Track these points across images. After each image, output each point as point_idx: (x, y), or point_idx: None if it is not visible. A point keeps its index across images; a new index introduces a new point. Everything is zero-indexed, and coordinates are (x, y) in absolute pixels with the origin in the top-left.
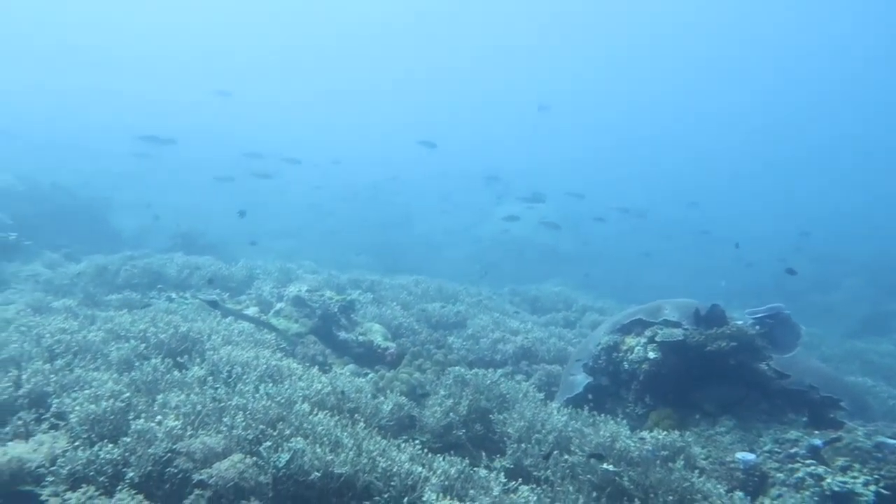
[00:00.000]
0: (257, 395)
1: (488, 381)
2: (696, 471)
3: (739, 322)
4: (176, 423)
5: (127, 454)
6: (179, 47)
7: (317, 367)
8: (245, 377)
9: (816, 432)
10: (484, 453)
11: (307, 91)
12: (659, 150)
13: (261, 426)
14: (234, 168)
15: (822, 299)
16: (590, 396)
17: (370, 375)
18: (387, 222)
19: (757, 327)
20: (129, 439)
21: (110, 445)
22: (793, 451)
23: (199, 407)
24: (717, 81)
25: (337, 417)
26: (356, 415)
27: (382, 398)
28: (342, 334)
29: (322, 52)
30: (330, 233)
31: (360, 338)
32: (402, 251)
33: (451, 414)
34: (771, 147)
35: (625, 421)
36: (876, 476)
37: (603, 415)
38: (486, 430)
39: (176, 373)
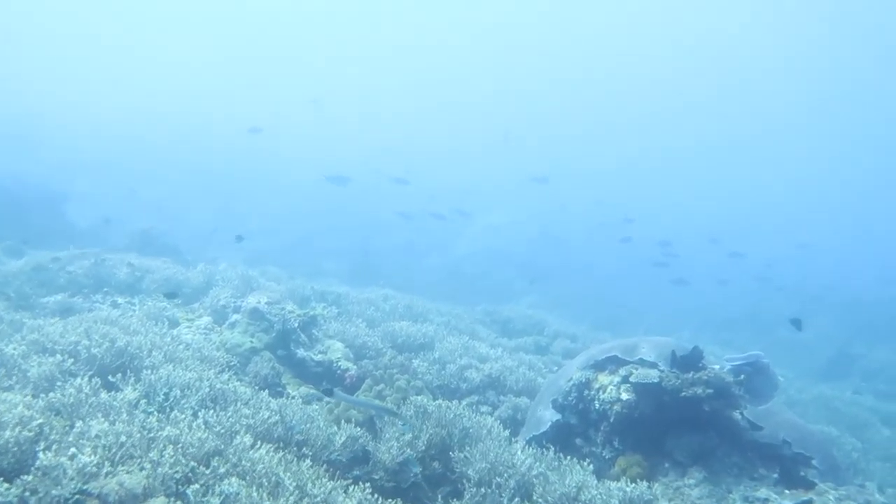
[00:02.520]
0: (194, 425)
1: (451, 415)
2: None
3: (717, 366)
4: (92, 457)
5: (26, 495)
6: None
7: (267, 390)
8: (184, 402)
9: (787, 492)
10: (440, 496)
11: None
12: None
13: (192, 463)
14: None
15: (791, 336)
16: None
17: (326, 399)
18: (366, 226)
19: (735, 374)
20: (30, 477)
21: (6, 485)
22: None
23: (123, 437)
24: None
25: (282, 453)
26: (305, 448)
27: (336, 429)
28: (300, 352)
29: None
30: (304, 236)
31: (320, 357)
32: (380, 258)
33: (407, 450)
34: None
35: (591, 466)
36: None
37: (569, 457)
38: (444, 468)
39: (104, 395)
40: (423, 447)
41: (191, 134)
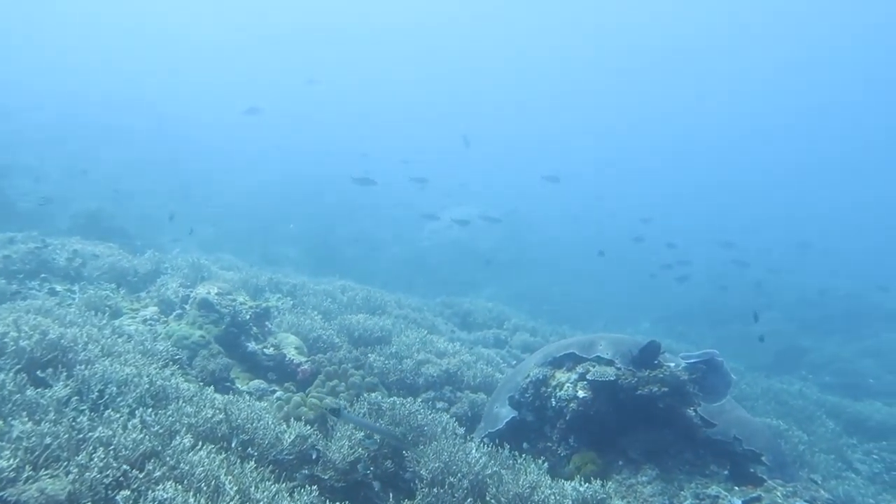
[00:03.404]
0: (130, 425)
1: (406, 412)
2: None
3: (672, 364)
4: (11, 461)
5: None
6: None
7: (214, 385)
8: (120, 400)
9: (736, 488)
10: (391, 495)
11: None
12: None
13: (125, 466)
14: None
15: (743, 329)
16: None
17: (278, 394)
18: (329, 213)
19: (690, 372)
20: None
21: None
22: None
23: (49, 439)
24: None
25: (225, 454)
26: (250, 447)
27: (285, 427)
28: (252, 345)
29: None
30: (265, 222)
31: (272, 350)
32: (342, 247)
33: (359, 449)
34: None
35: (546, 464)
36: None
37: (524, 455)
38: (397, 467)
39: (30, 392)
40: (377, 446)
41: (156, 115)
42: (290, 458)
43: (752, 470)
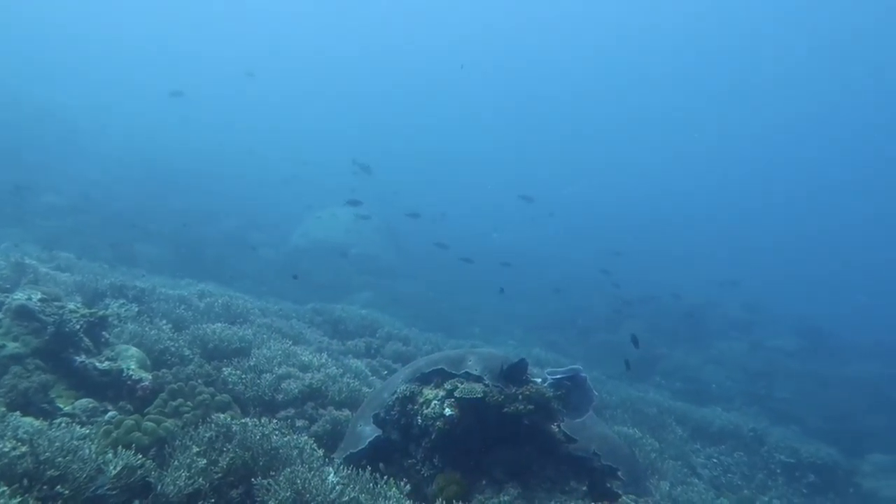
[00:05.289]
0: None
1: (258, 435)
2: None
3: (539, 380)
4: None
5: None
6: None
7: (25, 408)
8: None
9: None
10: None
11: None
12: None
13: None
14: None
15: (607, 338)
16: (381, 466)
17: (109, 415)
18: (191, 210)
19: (556, 389)
20: None
21: None
22: None
23: None
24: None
25: (21, 497)
26: (60, 485)
27: (111, 456)
28: (80, 358)
29: None
30: (116, 215)
31: (107, 364)
32: (207, 245)
33: (199, 479)
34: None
35: (408, 486)
36: None
37: (386, 478)
38: (245, 494)
39: None
40: (221, 474)
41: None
42: (114, 493)
43: (608, 485)
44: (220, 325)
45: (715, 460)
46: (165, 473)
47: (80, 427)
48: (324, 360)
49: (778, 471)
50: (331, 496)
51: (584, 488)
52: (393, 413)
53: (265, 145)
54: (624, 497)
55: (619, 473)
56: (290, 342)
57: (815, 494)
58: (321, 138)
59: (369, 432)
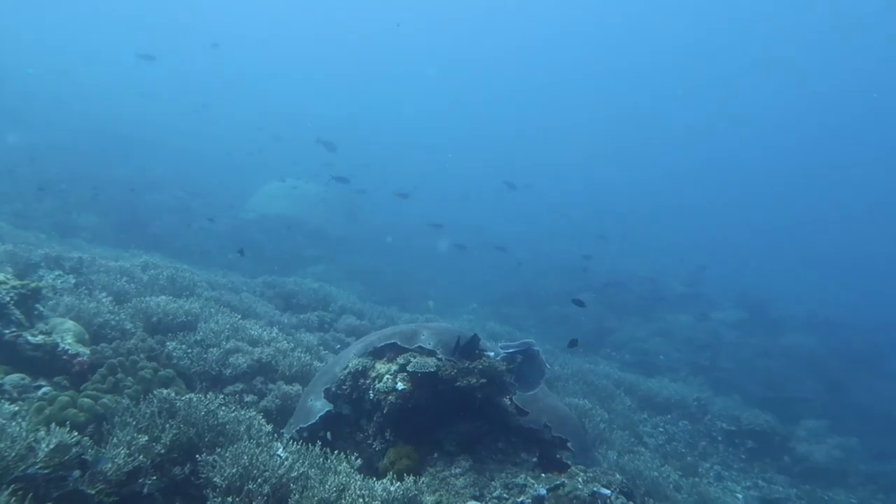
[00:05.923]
0: None
1: (203, 411)
2: None
3: (492, 354)
4: None
5: None
6: None
7: None
8: None
9: (543, 475)
10: None
11: None
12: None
13: None
14: None
15: (560, 311)
16: (328, 435)
17: (42, 391)
18: (138, 179)
19: (508, 362)
20: None
21: None
22: (519, 499)
23: None
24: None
25: None
26: None
27: (43, 433)
28: (10, 331)
29: None
30: (55, 182)
31: (41, 338)
32: (154, 215)
33: (139, 456)
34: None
35: (359, 461)
36: None
37: (336, 452)
38: (190, 471)
39: None
40: (164, 451)
41: None
42: (46, 472)
43: (558, 456)
44: (164, 298)
45: (661, 429)
46: (104, 451)
47: (10, 404)
48: (274, 335)
49: (719, 438)
50: (279, 471)
51: (535, 460)
52: (345, 387)
53: (228, 119)
54: (573, 467)
55: (569, 444)
56: (239, 316)
57: (753, 459)
58: (289, 114)
59: (320, 407)
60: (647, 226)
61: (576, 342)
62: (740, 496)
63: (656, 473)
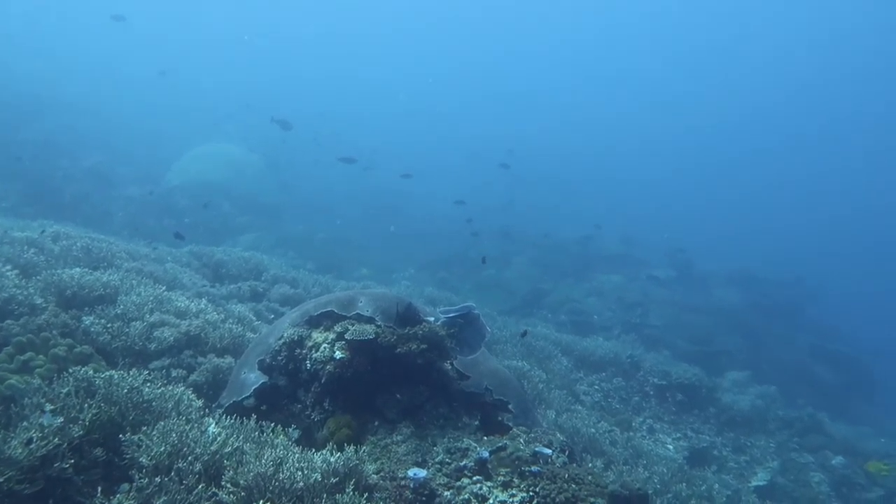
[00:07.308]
0: None
1: (126, 389)
2: (366, 494)
3: (431, 319)
4: None
5: None
6: None
7: None
8: None
9: (486, 438)
10: (100, 490)
11: None
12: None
13: None
14: None
15: (496, 274)
16: (263, 407)
17: None
18: (49, 142)
19: (449, 327)
20: None
21: None
22: (462, 463)
23: None
24: None
25: None
26: None
27: None
28: None
29: None
30: None
31: None
32: (67, 182)
33: (55, 439)
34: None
35: (297, 432)
36: (531, 493)
37: (273, 425)
38: (113, 452)
39: None
40: (82, 432)
41: None
42: None
43: (500, 418)
44: (79, 269)
45: (597, 387)
46: (13, 435)
47: None
48: (203, 306)
49: (651, 393)
50: (212, 447)
51: (477, 423)
52: (280, 358)
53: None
54: (515, 429)
55: (510, 406)
56: (164, 287)
57: (683, 412)
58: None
59: (254, 379)
60: (587, 192)
61: (525, 333)
62: (671, 447)
63: (593, 430)
